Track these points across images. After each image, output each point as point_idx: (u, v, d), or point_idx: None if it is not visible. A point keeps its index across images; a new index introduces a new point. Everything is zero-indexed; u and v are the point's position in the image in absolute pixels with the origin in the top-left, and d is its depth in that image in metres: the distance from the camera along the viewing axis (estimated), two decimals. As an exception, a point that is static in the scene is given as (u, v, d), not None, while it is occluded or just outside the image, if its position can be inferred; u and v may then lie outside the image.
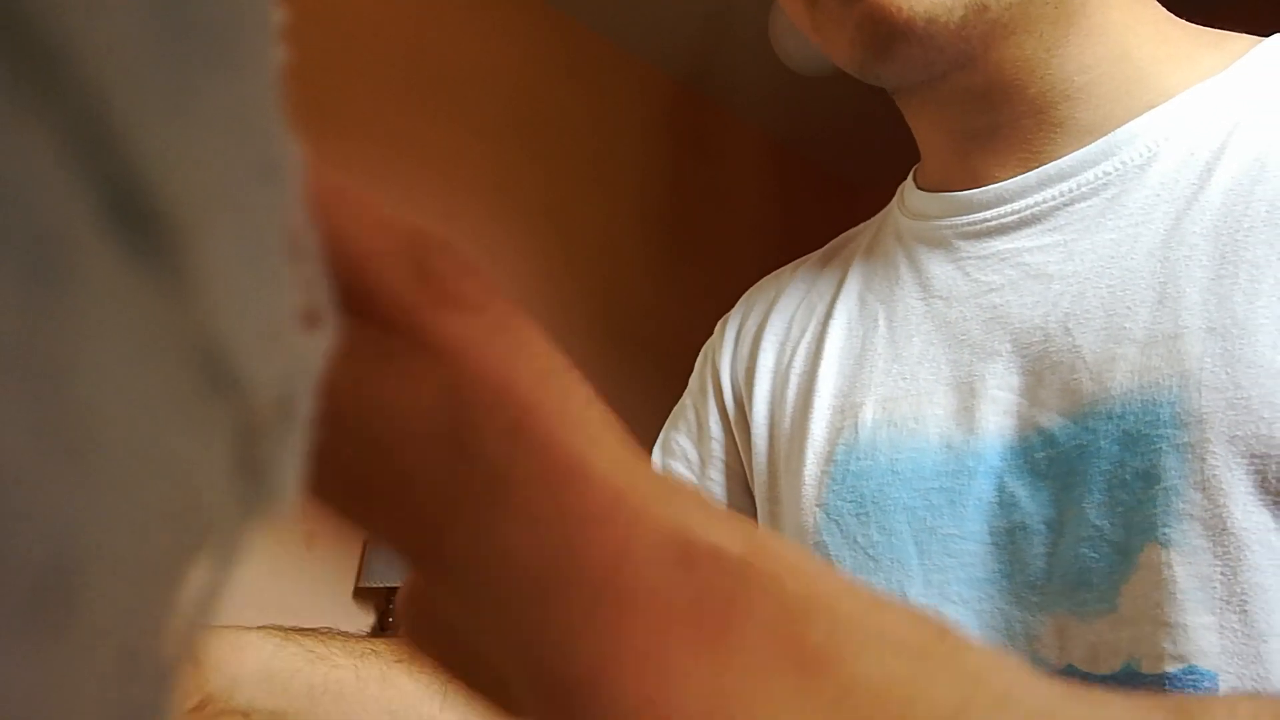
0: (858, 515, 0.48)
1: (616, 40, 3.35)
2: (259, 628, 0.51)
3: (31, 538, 0.07)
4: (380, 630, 2.51)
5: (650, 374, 3.38)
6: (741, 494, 0.59)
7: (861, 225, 0.61)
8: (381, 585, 2.42)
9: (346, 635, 0.54)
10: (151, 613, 0.09)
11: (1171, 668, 0.37)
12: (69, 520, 0.08)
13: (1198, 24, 0.47)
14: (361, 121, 2.60)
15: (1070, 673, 0.41)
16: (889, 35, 0.42)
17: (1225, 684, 0.36)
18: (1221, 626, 0.37)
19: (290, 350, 0.09)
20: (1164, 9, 0.47)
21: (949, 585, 0.44)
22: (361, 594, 2.53)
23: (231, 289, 0.08)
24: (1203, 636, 0.37)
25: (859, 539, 0.47)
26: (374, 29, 2.66)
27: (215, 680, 0.47)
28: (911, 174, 0.56)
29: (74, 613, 0.08)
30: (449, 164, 2.84)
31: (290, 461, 0.10)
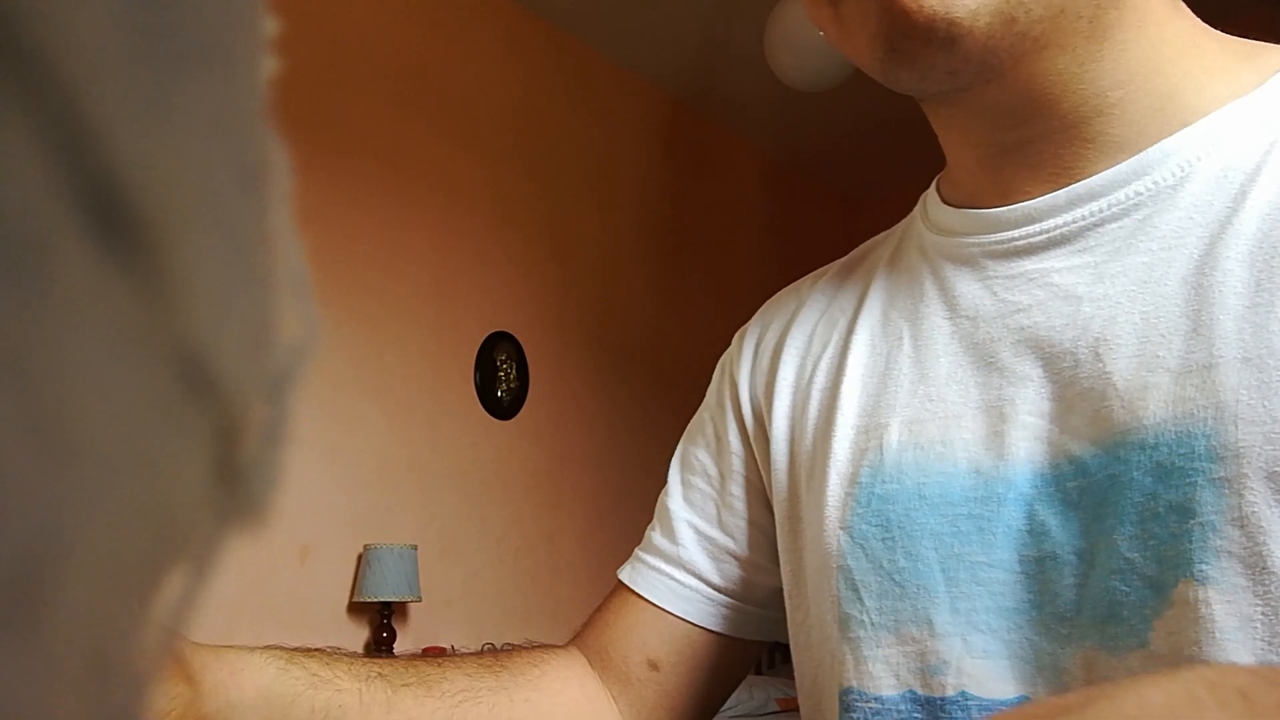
0: (883, 540, 0.47)
1: (615, 58, 3.37)
2: (263, 648, 0.50)
3: (4, 536, 0.07)
4: (375, 643, 2.50)
5: (648, 387, 3.37)
6: (762, 509, 0.59)
7: (881, 235, 0.59)
8: (376, 600, 2.41)
9: (353, 657, 0.53)
10: (126, 617, 0.09)
11: None
12: (43, 519, 0.08)
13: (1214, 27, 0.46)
14: (362, 137, 2.61)
15: None
16: (908, 34, 0.41)
17: None
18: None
19: (272, 357, 0.09)
20: (1198, 20, 0.46)
21: (976, 614, 0.44)
22: (356, 608, 2.52)
23: (211, 293, 0.08)
24: None
25: (885, 564, 0.47)
26: (375, 46, 2.67)
27: (212, 703, 0.45)
28: (935, 184, 0.54)
29: (46, 613, 0.08)
30: (449, 180, 2.85)
31: (270, 469, 0.10)
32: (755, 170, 4.08)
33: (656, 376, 3.42)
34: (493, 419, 2.94)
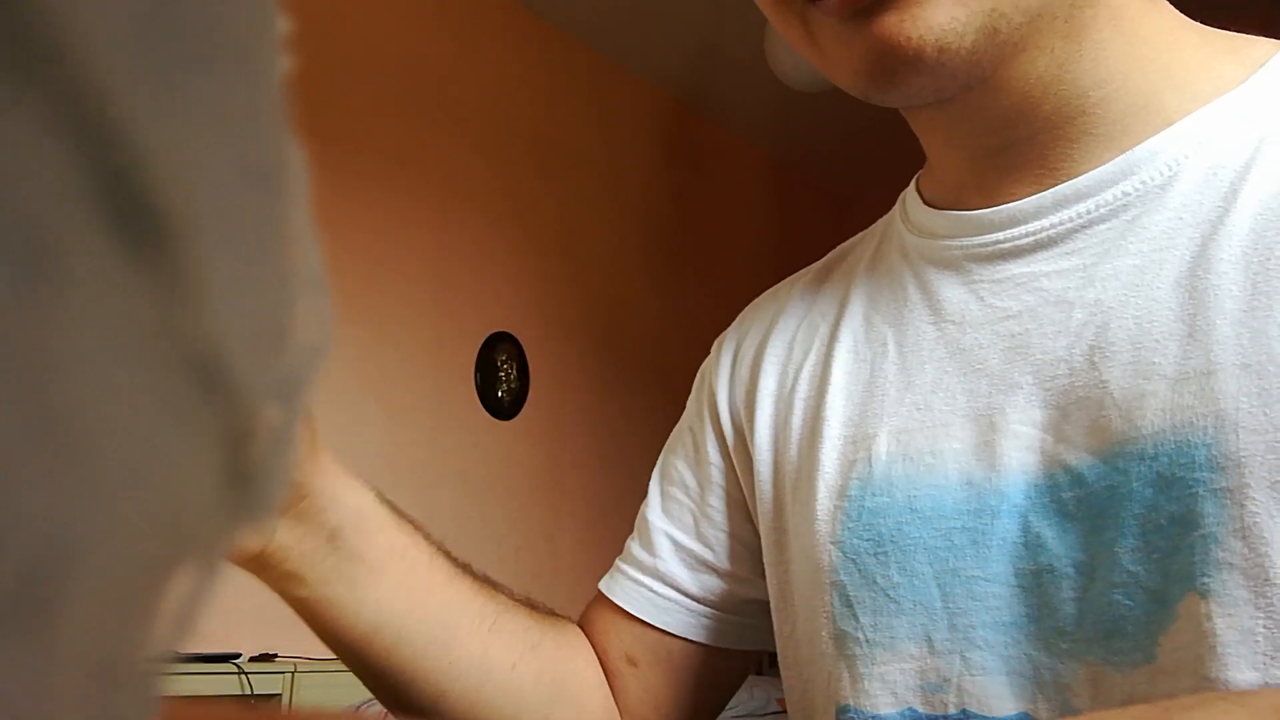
0: (876, 555, 0.46)
1: (619, 60, 3.37)
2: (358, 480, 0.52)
3: (12, 538, 0.07)
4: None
5: (649, 388, 3.37)
6: (742, 521, 0.58)
7: (859, 236, 0.58)
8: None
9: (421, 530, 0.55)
10: (135, 620, 0.09)
11: None
12: (52, 522, 0.07)
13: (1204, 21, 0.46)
14: (367, 136, 2.61)
15: None
16: (894, 67, 0.40)
17: None
18: (1265, 684, 0.35)
19: (285, 358, 0.09)
20: (1178, 14, 0.45)
21: (974, 629, 0.43)
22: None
23: (226, 292, 0.08)
24: None
25: (879, 579, 0.46)
26: (383, 47, 2.67)
27: (322, 484, 0.47)
28: (914, 182, 0.53)
29: (54, 617, 0.08)
30: (452, 178, 2.85)
31: (280, 471, 0.09)
32: (757, 170, 4.09)
33: (657, 377, 3.42)
34: (493, 419, 2.94)
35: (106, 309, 0.07)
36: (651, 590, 0.59)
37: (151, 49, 0.08)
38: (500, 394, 2.96)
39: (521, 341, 3.04)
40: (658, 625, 0.58)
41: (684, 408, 0.65)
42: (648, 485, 0.64)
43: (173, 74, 0.08)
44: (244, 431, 0.09)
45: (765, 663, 3.50)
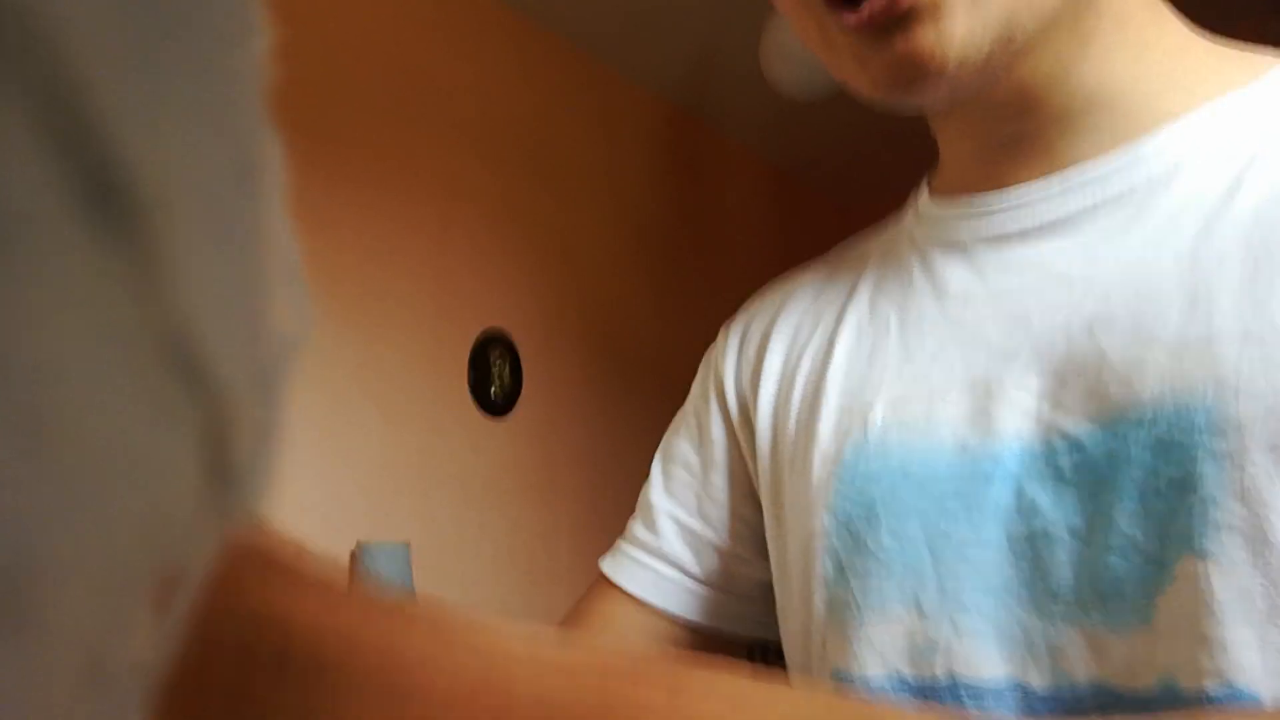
0: (867, 519, 0.46)
1: (619, 68, 3.37)
2: None
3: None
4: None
5: (645, 388, 3.38)
6: (744, 500, 0.58)
7: (868, 230, 0.59)
8: (369, 598, 2.40)
9: None
10: (120, 621, 0.09)
11: (1210, 684, 0.36)
12: (28, 520, 0.07)
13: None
14: (366, 140, 2.60)
15: (1102, 688, 0.40)
16: (917, 79, 0.41)
17: (1267, 703, 0.35)
18: (1263, 643, 0.36)
19: (263, 349, 0.09)
20: (1185, 28, 0.47)
21: (964, 593, 0.43)
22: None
23: (203, 282, 0.08)
24: (1242, 653, 0.36)
25: (869, 544, 0.46)
26: (381, 55, 2.67)
27: None
28: (925, 181, 0.55)
29: (33, 617, 0.08)
30: (455, 185, 2.85)
31: (261, 467, 0.09)
32: (755, 177, 4.09)
33: (655, 381, 3.42)
34: (486, 417, 2.94)
35: (81, 298, 0.07)
36: (654, 570, 0.59)
37: (129, 40, 0.07)
38: (493, 392, 2.96)
39: (515, 340, 3.04)
40: (659, 606, 0.58)
41: (680, 408, 0.65)
42: (642, 484, 0.64)
43: (150, 65, 0.08)
44: (224, 426, 0.09)
45: (758, 656, 3.51)
